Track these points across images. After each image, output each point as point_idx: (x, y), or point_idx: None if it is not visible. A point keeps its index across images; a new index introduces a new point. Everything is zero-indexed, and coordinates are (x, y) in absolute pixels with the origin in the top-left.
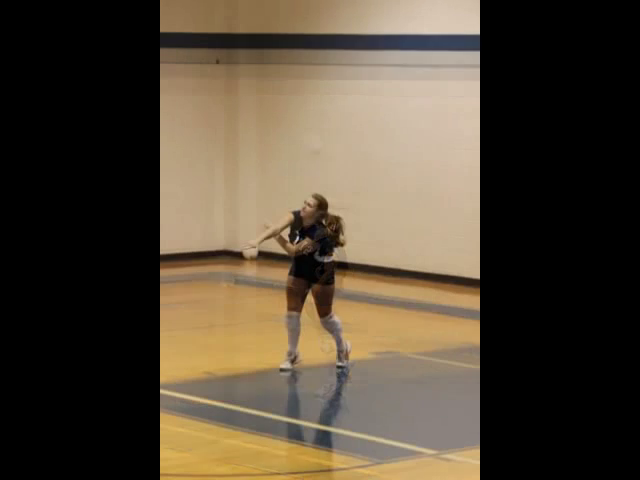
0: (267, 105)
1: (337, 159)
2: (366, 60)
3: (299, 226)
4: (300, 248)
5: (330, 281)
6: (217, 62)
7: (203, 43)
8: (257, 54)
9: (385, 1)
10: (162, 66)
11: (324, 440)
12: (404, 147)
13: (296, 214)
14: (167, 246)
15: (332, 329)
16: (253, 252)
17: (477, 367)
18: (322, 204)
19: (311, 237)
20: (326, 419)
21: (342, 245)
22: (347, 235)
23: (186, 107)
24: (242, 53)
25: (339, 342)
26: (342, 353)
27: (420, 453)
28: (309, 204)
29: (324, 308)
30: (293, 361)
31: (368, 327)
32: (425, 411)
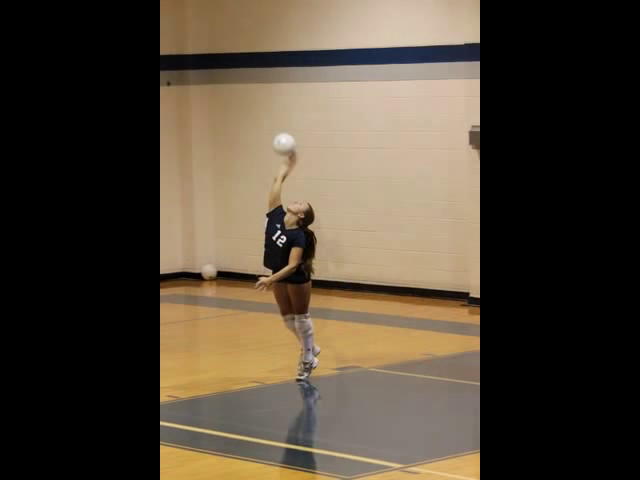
0: (220, 124)
1: (292, 178)
2: (320, 76)
3: (280, 220)
4: (296, 262)
5: (302, 280)
6: (168, 84)
7: None
8: (207, 74)
9: (337, 16)
10: None
11: (291, 459)
12: (365, 163)
13: (279, 209)
14: None
15: (302, 330)
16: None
17: (438, 378)
18: (310, 215)
19: (296, 244)
20: (292, 437)
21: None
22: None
23: None
24: (192, 74)
25: (306, 350)
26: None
27: (387, 467)
28: (299, 209)
29: (299, 306)
30: (308, 369)
31: (330, 343)
32: (390, 425)
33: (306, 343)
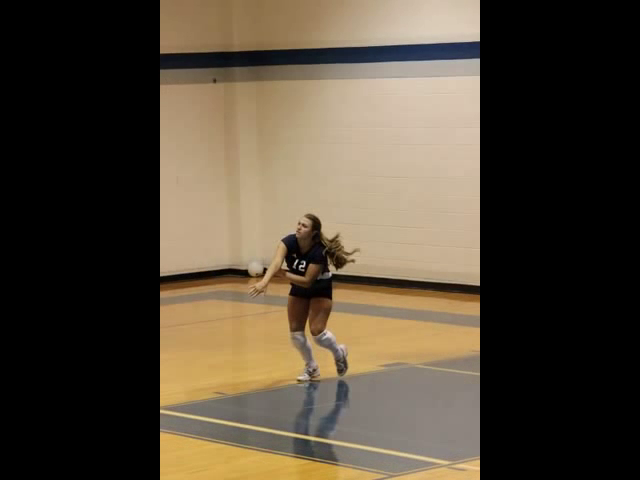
0: (266, 121)
1: (338, 175)
2: (367, 73)
3: (295, 249)
4: (312, 278)
5: (325, 294)
6: (214, 81)
7: (199, 63)
8: (254, 71)
9: (383, 11)
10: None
11: (337, 455)
12: (406, 159)
13: (288, 239)
14: (171, 267)
15: (326, 346)
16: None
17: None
18: (316, 223)
19: (313, 261)
20: (337, 433)
21: (351, 261)
22: (349, 248)
23: (185, 127)
24: (239, 71)
25: (335, 353)
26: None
27: (434, 464)
28: (304, 224)
29: (318, 324)
30: (311, 374)
31: (376, 339)
32: (437, 421)
33: (334, 349)
